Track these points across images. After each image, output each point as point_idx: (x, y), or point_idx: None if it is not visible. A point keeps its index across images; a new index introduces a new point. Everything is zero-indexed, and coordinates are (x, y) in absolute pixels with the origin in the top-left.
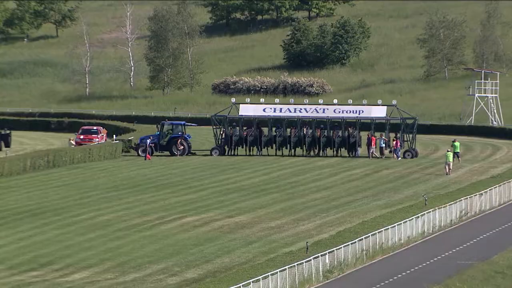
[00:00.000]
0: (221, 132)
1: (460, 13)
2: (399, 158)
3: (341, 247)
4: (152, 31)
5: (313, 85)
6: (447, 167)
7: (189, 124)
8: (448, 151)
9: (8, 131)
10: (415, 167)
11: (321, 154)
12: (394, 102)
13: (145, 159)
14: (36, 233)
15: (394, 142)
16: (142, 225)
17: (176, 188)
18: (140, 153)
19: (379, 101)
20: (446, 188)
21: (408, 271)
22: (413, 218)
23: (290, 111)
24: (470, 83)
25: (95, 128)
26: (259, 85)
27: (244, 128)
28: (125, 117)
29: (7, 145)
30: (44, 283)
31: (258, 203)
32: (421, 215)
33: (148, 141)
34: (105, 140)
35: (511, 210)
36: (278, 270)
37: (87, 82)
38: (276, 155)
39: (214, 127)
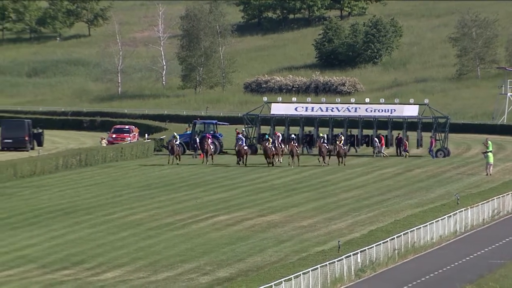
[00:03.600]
0: (253, 131)
1: (493, 12)
2: (433, 157)
3: (373, 246)
4: (184, 30)
5: (345, 84)
6: (490, 168)
7: (221, 123)
8: (487, 152)
9: (40, 130)
10: (447, 166)
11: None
12: (426, 101)
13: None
14: (68, 232)
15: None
16: (174, 224)
17: (208, 187)
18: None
19: (411, 100)
20: (478, 187)
21: (440, 270)
22: (445, 217)
23: (322, 110)
24: (503, 82)
25: (127, 127)
26: (291, 84)
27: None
28: (157, 116)
29: (40, 144)
30: (76, 282)
31: (290, 202)
32: (453, 214)
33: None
34: (137, 139)
35: None
36: (310, 269)
37: (119, 81)
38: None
39: (246, 126)
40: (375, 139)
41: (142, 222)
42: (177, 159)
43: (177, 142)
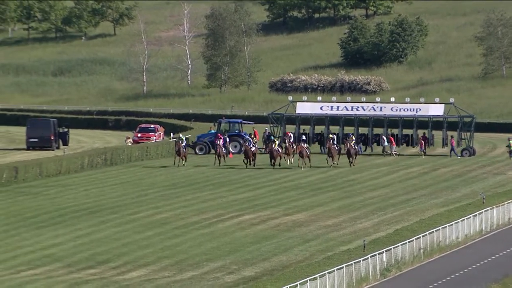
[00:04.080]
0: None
1: None
2: (459, 156)
3: (398, 245)
4: (209, 29)
5: (370, 83)
6: None
7: (246, 122)
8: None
9: (66, 129)
10: (472, 166)
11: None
12: (451, 100)
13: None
14: (94, 231)
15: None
16: (200, 223)
17: (233, 186)
18: (197, 151)
19: (437, 99)
20: (504, 187)
21: (465, 270)
22: (470, 217)
23: (347, 109)
24: None
25: (152, 126)
26: (316, 83)
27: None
28: (182, 115)
29: (65, 143)
30: (102, 281)
31: (315, 201)
32: (479, 214)
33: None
34: (163, 138)
35: None
36: (335, 268)
37: (145, 80)
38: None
39: (271, 125)
40: (383, 137)
41: (168, 221)
42: (183, 160)
43: (184, 144)
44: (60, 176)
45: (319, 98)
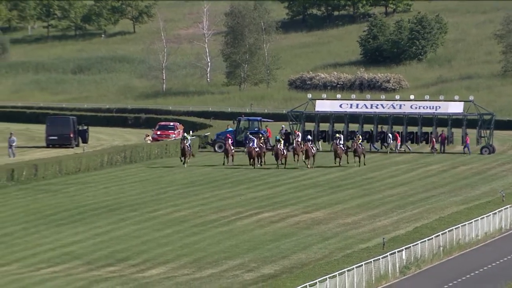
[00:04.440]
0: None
1: None
2: (471, 154)
3: (418, 243)
4: (229, 27)
5: (390, 80)
6: None
7: (265, 120)
8: None
9: (85, 127)
10: (492, 163)
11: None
12: (471, 98)
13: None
14: (113, 229)
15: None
16: (219, 221)
17: (252, 184)
18: (216, 149)
19: (456, 97)
20: None
21: (485, 267)
22: (490, 214)
23: (367, 107)
24: None
25: (172, 124)
26: (336, 81)
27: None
28: (202, 113)
29: (85, 140)
30: (121, 279)
31: (334, 199)
32: (499, 211)
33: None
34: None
35: None
36: (354, 266)
37: (164, 78)
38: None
39: (291, 123)
40: (389, 135)
41: (187, 219)
42: (184, 160)
43: (188, 144)
44: (79, 173)
45: (339, 96)
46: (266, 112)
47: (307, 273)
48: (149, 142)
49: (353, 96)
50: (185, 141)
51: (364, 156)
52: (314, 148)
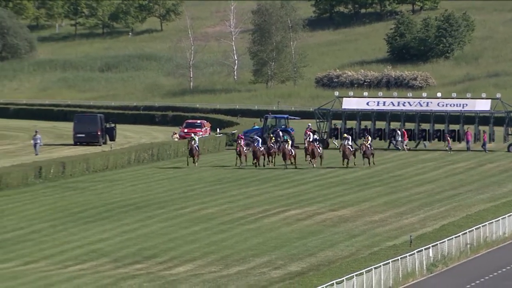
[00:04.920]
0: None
1: None
2: (487, 151)
3: (445, 241)
4: (256, 24)
5: (417, 78)
6: None
7: (292, 117)
8: None
9: (113, 125)
10: None
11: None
12: (498, 95)
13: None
14: (141, 226)
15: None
16: (246, 218)
17: (278, 181)
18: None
19: (483, 95)
20: None
21: None
22: None
23: (394, 105)
24: None
25: (199, 121)
26: (362, 79)
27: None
28: (229, 111)
29: (112, 138)
30: (149, 276)
31: (361, 196)
32: None
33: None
34: (209, 133)
35: None
36: (381, 264)
37: (191, 76)
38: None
39: (318, 120)
40: (398, 132)
41: (214, 217)
42: (193, 160)
43: (196, 145)
44: (107, 171)
45: (366, 93)
46: (293, 110)
47: (334, 271)
48: (176, 140)
49: (380, 93)
50: (192, 142)
51: (373, 157)
52: (320, 148)
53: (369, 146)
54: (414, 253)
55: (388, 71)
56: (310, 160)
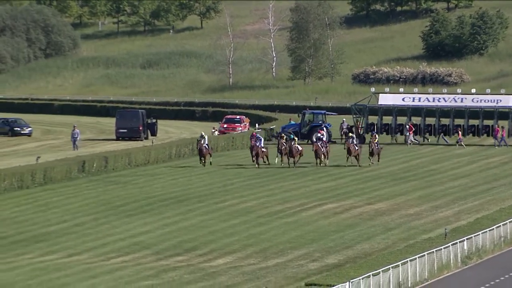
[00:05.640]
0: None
1: None
2: (496, 147)
3: (479, 234)
4: (294, 22)
5: (452, 74)
6: None
7: (330, 113)
8: None
9: (154, 120)
10: None
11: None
12: None
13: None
14: (181, 219)
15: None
16: (284, 212)
17: (316, 175)
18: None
19: None
20: None
21: None
22: None
23: (429, 100)
24: None
25: (238, 117)
26: (398, 75)
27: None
28: (267, 107)
29: (153, 133)
30: (189, 268)
31: (397, 190)
32: None
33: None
34: (248, 129)
35: None
36: (417, 256)
37: (230, 72)
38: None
39: (354, 116)
40: (406, 126)
41: (253, 210)
42: (203, 159)
43: (206, 144)
44: (148, 165)
45: (401, 89)
46: (330, 106)
47: (370, 263)
48: (216, 135)
49: (416, 90)
50: (202, 141)
51: (379, 155)
52: (299, 147)
53: (376, 144)
54: (449, 246)
55: (423, 68)
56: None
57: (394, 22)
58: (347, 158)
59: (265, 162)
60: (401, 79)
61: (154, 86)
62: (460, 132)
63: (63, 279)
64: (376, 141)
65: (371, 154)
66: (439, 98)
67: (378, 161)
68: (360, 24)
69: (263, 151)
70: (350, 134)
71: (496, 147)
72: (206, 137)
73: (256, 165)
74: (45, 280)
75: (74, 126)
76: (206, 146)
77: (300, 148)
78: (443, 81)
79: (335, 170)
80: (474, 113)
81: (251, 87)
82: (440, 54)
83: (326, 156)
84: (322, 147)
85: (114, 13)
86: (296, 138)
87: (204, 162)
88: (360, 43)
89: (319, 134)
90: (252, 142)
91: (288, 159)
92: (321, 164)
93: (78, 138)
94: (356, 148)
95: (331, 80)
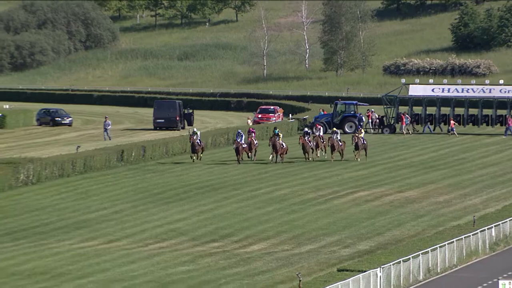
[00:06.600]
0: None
1: None
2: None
3: (506, 221)
4: (326, 15)
5: (480, 66)
6: None
7: (361, 103)
8: None
9: (191, 111)
10: None
11: None
12: None
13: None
14: (217, 207)
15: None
16: (317, 199)
17: (348, 164)
18: (314, 131)
19: None
20: None
21: None
22: None
23: (458, 91)
24: None
25: (272, 107)
26: (428, 67)
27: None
28: (300, 97)
29: (190, 123)
30: (225, 254)
31: (427, 178)
32: None
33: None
34: (282, 119)
35: None
36: (446, 243)
37: (265, 64)
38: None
39: (385, 106)
40: (407, 116)
41: (286, 198)
42: (195, 156)
43: (198, 139)
44: (185, 154)
45: (431, 80)
46: (362, 96)
47: (400, 249)
48: (250, 124)
49: (445, 81)
50: (194, 137)
51: (366, 150)
52: (284, 143)
53: (361, 138)
54: (477, 233)
55: (452, 59)
56: (317, 155)
57: (424, 15)
58: (332, 153)
59: (249, 157)
60: (430, 71)
61: (191, 77)
62: (452, 121)
63: (103, 265)
64: (361, 135)
65: (356, 148)
66: (468, 89)
67: (366, 155)
68: (391, 17)
69: (243, 147)
70: (334, 129)
71: (503, 137)
72: (198, 133)
73: (238, 162)
74: (85, 265)
75: (106, 117)
76: (199, 141)
77: (284, 145)
78: (472, 72)
79: (367, 159)
80: (502, 103)
81: (284, 78)
82: (468, 46)
83: (325, 150)
84: (321, 140)
85: (152, 7)
86: (281, 134)
87: (197, 157)
88: (391, 35)
89: (306, 129)
90: (250, 138)
91: (276, 156)
92: (309, 159)
93: (109, 128)
94: (340, 144)
95: (363, 72)
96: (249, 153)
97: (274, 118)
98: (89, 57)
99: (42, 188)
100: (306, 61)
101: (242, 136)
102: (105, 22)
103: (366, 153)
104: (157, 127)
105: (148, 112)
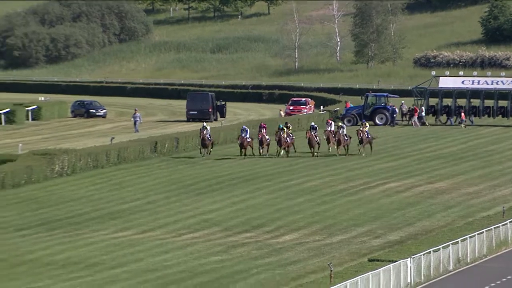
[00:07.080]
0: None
1: None
2: None
3: None
4: (357, 8)
5: (510, 58)
6: None
7: (392, 95)
8: None
9: (223, 103)
10: None
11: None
12: None
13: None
14: (249, 198)
15: None
16: (347, 191)
17: (379, 155)
18: (345, 122)
19: None
20: None
21: None
22: None
23: (487, 83)
24: None
25: (303, 99)
26: (458, 59)
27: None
28: (332, 89)
29: (223, 115)
30: (257, 244)
31: (456, 170)
32: None
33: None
34: (313, 110)
35: None
36: (476, 233)
37: (296, 57)
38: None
39: (415, 98)
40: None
41: (317, 189)
42: (205, 151)
43: (208, 134)
44: (217, 146)
45: (461, 73)
46: (392, 89)
47: (431, 240)
48: (282, 116)
49: (475, 73)
50: (204, 131)
51: (371, 144)
52: (288, 138)
53: (366, 132)
54: (506, 223)
55: (482, 52)
56: (316, 151)
57: (454, 8)
58: (337, 148)
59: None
60: (460, 63)
61: (223, 70)
62: (463, 114)
63: (137, 255)
64: (366, 129)
65: (361, 142)
66: (498, 81)
67: (371, 150)
68: (421, 10)
69: (248, 141)
70: (340, 124)
71: None
72: (208, 127)
73: (243, 156)
74: (119, 255)
75: (136, 110)
76: (209, 136)
77: (289, 140)
78: (501, 64)
79: (397, 151)
80: None
81: (316, 71)
82: (498, 39)
83: (336, 145)
84: (332, 135)
85: (185, 0)
86: (285, 128)
87: (207, 152)
88: (421, 28)
89: (313, 123)
90: (260, 134)
91: (281, 149)
92: (316, 155)
93: (139, 121)
94: (346, 139)
95: (393, 64)
96: (261, 149)
97: (305, 110)
98: (123, 50)
99: (76, 179)
100: (337, 53)
101: (247, 131)
102: (139, 15)
103: (371, 147)
104: (190, 118)
105: (181, 104)
